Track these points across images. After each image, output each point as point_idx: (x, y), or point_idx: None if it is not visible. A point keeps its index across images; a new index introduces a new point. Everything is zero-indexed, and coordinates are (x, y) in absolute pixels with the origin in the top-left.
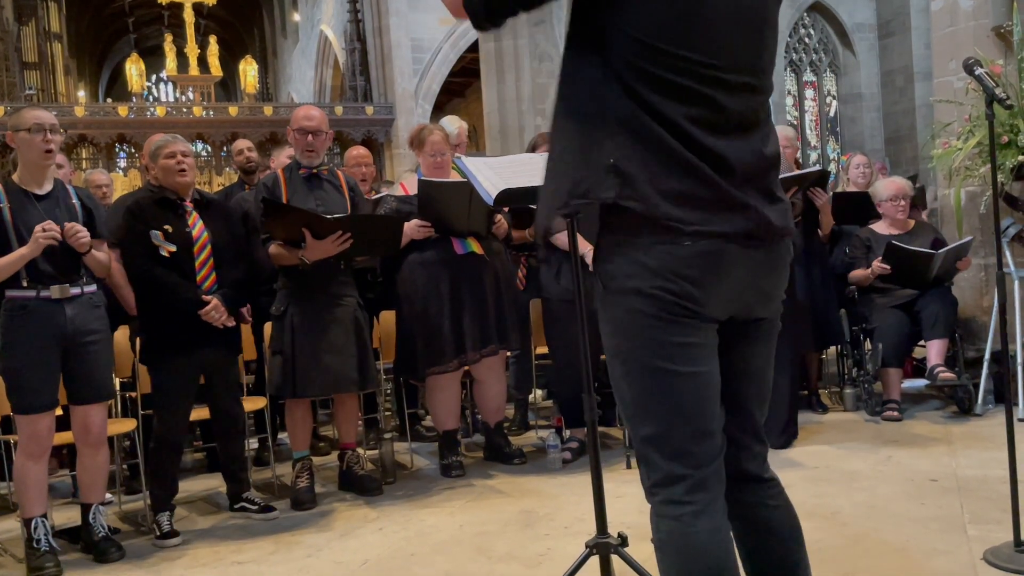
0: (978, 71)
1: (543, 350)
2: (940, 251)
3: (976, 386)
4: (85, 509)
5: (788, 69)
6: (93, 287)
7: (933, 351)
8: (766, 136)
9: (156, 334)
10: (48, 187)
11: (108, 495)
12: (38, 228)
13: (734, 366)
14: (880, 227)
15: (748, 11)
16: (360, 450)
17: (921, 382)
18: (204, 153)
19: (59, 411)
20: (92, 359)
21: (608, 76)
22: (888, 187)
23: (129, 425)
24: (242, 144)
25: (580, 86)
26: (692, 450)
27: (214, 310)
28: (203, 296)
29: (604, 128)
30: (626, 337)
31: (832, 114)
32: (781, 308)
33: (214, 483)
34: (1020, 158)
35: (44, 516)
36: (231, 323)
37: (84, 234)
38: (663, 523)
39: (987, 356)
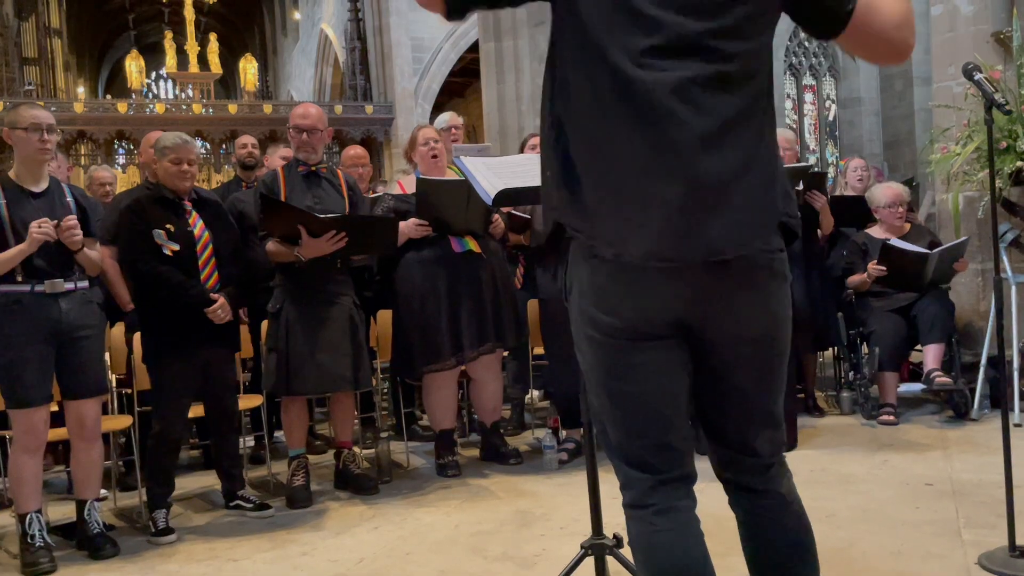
0: (977, 76)
1: (540, 350)
2: (935, 251)
3: (972, 391)
4: (80, 505)
5: (788, 73)
6: (86, 283)
7: (930, 355)
8: (732, 127)
9: (157, 332)
10: (44, 184)
11: (103, 491)
12: (34, 225)
13: (706, 384)
14: (876, 231)
15: None
16: (356, 449)
17: (917, 386)
18: (203, 151)
19: (54, 407)
20: (85, 354)
21: (548, 75)
22: (885, 193)
23: (125, 422)
24: (246, 139)
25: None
26: (648, 460)
27: (220, 308)
28: (211, 295)
29: (545, 157)
30: (580, 351)
31: (831, 118)
32: (779, 327)
33: (210, 480)
34: (1018, 163)
35: (39, 512)
36: (230, 318)
37: (77, 232)
38: (630, 524)
39: (984, 361)
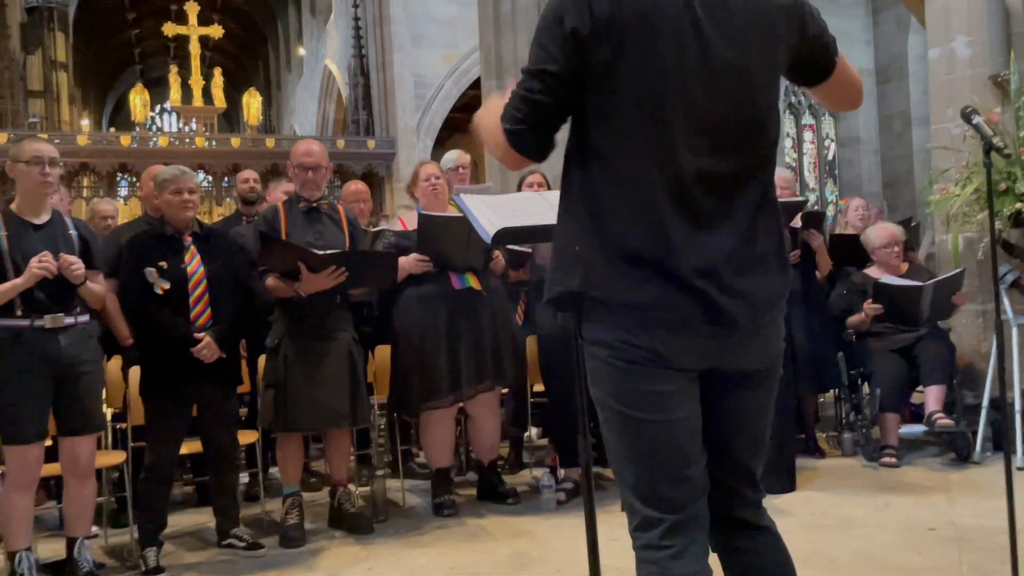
0: (976, 119)
1: (539, 388)
2: (928, 283)
3: (974, 433)
4: (70, 542)
5: (787, 112)
6: (86, 317)
7: (931, 397)
8: (748, 220)
9: (151, 367)
10: (46, 217)
11: (94, 528)
12: (34, 260)
13: (721, 415)
14: (874, 272)
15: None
16: (351, 487)
17: (919, 428)
18: (205, 183)
19: (48, 442)
20: (83, 389)
21: (580, 158)
22: (879, 235)
23: (118, 457)
24: (248, 174)
25: (566, 175)
26: (667, 495)
27: (206, 348)
28: (196, 334)
29: (574, 215)
30: (601, 387)
31: (830, 157)
32: (778, 358)
33: (203, 518)
34: (1017, 205)
35: (29, 549)
36: (218, 356)
37: (79, 267)
38: (642, 568)
39: (985, 403)
